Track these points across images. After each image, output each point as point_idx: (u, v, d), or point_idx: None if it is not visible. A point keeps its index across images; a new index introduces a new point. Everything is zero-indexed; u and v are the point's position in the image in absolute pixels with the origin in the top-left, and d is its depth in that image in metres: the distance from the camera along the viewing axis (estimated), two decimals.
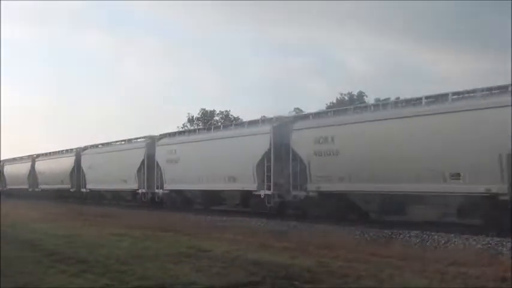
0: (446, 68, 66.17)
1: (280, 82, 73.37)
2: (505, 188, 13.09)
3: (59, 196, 36.27)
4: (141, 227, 16.95)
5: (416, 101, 16.44)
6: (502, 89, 13.97)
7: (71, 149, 37.56)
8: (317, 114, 20.79)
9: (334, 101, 48.33)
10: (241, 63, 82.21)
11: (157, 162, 26.80)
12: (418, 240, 13.55)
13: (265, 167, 20.28)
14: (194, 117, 54.79)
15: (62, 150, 39.18)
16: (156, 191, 26.96)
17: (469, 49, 68.20)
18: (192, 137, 26.28)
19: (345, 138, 17.58)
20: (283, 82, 72.85)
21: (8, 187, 47.41)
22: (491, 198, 13.52)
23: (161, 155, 26.68)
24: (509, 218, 12.72)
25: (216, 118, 54.03)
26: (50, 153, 41.04)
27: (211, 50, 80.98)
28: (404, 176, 15.45)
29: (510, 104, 13.09)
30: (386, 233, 14.53)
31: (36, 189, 41.50)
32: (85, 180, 34.19)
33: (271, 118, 22.33)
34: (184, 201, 25.95)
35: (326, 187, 18.04)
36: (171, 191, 26.16)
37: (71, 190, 35.77)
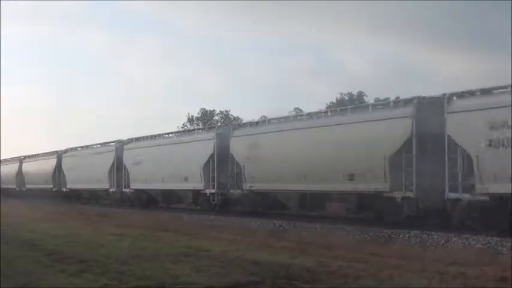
0: (446, 68, 66.12)
1: (280, 82, 73.38)
2: (388, 187, 15.81)
3: (43, 195, 38.05)
4: (140, 226, 16.99)
5: (324, 113, 20.74)
6: (401, 103, 17.25)
7: (54, 151, 39.99)
8: (252, 124, 23.71)
9: (334, 101, 48.30)
10: (241, 63, 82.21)
11: (124, 164, 29.57)
12: (417, 240, 13.55)
13: (210, 168, 23.09)
14: (194, 117, 54.79)
15: (46, 153, 41.87)
16: (124, 190, 29.68)
17: (470, 49, 68.20)
18: (153, 141, 28.70)
19: (269, 145, 20.60)
20: (283, 82, 72.79)
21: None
22: (378, 195, 16.23)
23: (128, 157, 29.48)
24: (393, 212, 15.78)
25: (216, 118, 54.00)
26: (35, 155, 43.63)
27: (212, 49, 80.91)
28: (315, 177, 18.32)
29: (395, 117, 16.26)
30: (386, 232, 14.52)
31: (23, 189, 44.02)
32: (65, 180, 36.72)
33: (216, 126, 25.27)
34: (148, 199, 28.53)
35: (257, 186, 21.11)
36: (136, 190, 28.83)
37: (53, 189, 38.12)
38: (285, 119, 22.65)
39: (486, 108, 13.98)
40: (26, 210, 26.44)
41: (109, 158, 31.13)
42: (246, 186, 21.43)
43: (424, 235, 13.71)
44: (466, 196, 14.04)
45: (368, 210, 17.64)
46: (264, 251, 11.25)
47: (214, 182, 22.96)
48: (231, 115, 53.26)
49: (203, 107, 55.14)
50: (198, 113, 54.67)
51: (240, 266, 9.37)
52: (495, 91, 14.43)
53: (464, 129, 14.34)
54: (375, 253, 10.83)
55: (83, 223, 18.93)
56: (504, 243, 12.02)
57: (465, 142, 14.31)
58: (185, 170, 24.55)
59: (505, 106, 13.38)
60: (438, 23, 63.94)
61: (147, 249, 11.57)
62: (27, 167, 43.79)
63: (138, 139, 30.10)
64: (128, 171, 29.29)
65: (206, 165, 23.22)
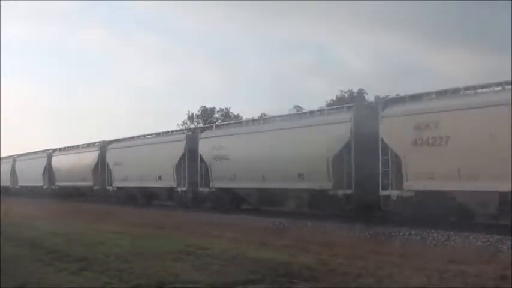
0: (446, 66, 66.05)
1: (280, 79, 73.27)
2: (331, 185, 17.51)
3: (34, 193, 40.74)
4: (140, 224, 16.99)
5: (279, 118, 22.65)
6: (342, 109, 19.19)
7: (44, 151, 41.74)
8: (218, 126, 25.96)
9: (334, 99, 48.29)
10: (241, 61, 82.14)
11: (107, 163, 31.57)
12: (418, 238, 13.54)
13: (182, 168, 25.03)
14: (194, 114, 54.79)
15: (37, 152, 43.41)
16: (107, 187, 31.68)
17: (470, 48, 68.13)
18: (133, 142, 30.47)
19: (232, 147, 22.34)
20: (283, 79, 72.72)
21: None
22: (324, 193, 17.79)
23: (110, 157, 31.39)
24: (336, 208, 17.62)
25: (216, 115, 54.00)
26: (27, 153, 45.14)
27: (212, 47, 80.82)
28: (272, 176, 19.99)
29: (336, 122, 17.94)
30: (386, 230, 14.52)
31: (16, 186, 45.99)
32: (54, 179, 38.86)
33: (186, 129, 26.97)
34: (128, 196, 30.23)
35: (222, 185, 23.01)
36: (118, 188, 30.86)
37: (43, 187, 40.33)
38: (246, 122, 25.19)
39: (412, 114, 15.52)
40: (24, 208, 26.72)
41: (93, 158, 33.15)
42: (213, 184, 23.36)
43: (424, 233, 13.70)
44: (396, 192, 15.76)
45: (317, 206, 19.12)
46: (264, 249, 11.26)
47: (185, 180, 24.90)
48: (231, 113, 53.32)
49: (203, 104, 55.25)
50: (199, 111, 54.75)
51: (240, 264, 9.37)
52: (424, 97, 15.94)
53: (394, 132, 15.90)
54: (375, 251, 10.82)
55: (83, 221, 18.93)
56: (504, 241, 12.03)
57: (394, 144, 15.87)
58: (160, 169, 26.36)
59: (432, 112, 14.87)
60: (439, 21, 63.83)
61: (147, 247, 11.56)
62: (19, 165, 45.32)
63: (119, 140, 31.97)
64: (110, 170, 31.17)
65: (178, 165, 25.13)
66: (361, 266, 9.03)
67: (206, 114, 54.30)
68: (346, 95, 48.11)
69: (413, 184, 15.26)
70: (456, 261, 9.37)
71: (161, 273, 8.55)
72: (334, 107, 22.31)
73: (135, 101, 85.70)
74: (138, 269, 8.92)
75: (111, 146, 31.94)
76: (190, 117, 54.64)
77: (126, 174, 29.50)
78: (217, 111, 54.64)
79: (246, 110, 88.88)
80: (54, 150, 40.03)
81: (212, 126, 25.76)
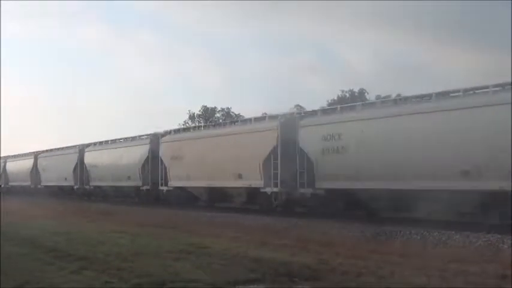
0: (448, 66, 66.02)
1: (281, 79, 73.37)
2: (262, 184, 20.25)
3: (23, 191, 43.23)
4: (141, 224, 17.00)
5: (222, 124, 26.70)
6: (272, 117, 21.84)
7: (32, 152, 44.39)
8: (176, 131, 28.35)
9: (335, 98, 48.32)
10: (242, 60, 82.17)
11: (85, 164, 34.80)
12: (418, 237, 13.53)
13: (146, 169, 28.20)
14: (195, 114, 54.83)
15: (25, 153, 45.77)
16: (85, 186, 35.09)
17: (472, 48, 68.09)
18: (106, 146, 33.51)
19: (186, 150, 25.16)
20: (284, 79, 72.84)
21: None
22: (256, 191, 20.68)
23: (87, 159, 34.71)
24: (267, 203, 20.42)
25: (217, 115, 54.02)
26: (17, 155, 47.61)
27: (212, 46, 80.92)
28: (217, 176, 22.77)
29: (265, 130, 20.52)
30: (387, 229, 14.50)
31: (7, 185, 48.22)
32: (40, 178, 41.94)
33: (150, 134, 29.38)
34: (103, 194, 33.57)
35: (178, 184, 26.00)
36: (94, 186, 34.46)
37: (31, 186, 42.98)
38: (199, 128, 28.32)
39: (320, 124, 18.64)
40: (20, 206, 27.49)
41: (73, 159, 36.23)
42: (171, 183, 26.18)
43: (425, 232, 13.69)
44: (309, 190, 18.71)
45: (253, 202, 21.82)
46: (264, 249, 11.26)
47: (148, 179, 28.05)
48: (233, 112, 53.36)
49: (204, 104, 55.30)
50: (200, 110, 54.80)
51: (240, 263, 9.37)
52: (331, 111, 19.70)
53: (308, 140, 18.95)
54: (375, 250, 10.82)
55: (84, 220, 18.95)
56: (505, 240, 12.01)
57: (308, 150, 18.81)
58: (128, 170, 29.50)
59: (335, 123, 18.15)
60: (440, 21, 63.79)
61: (147, 246, 11.57)
62: (10, 166, 48.19)
63: (96, 143, 35.04)
64: (88, 171, 34.47)
65: (143, 166, 28.28)
66: (361, 265, 9.02)
67: (207, 113, 54.34)
68: (347, 95, 48.16)
69: (323, 183, 18.21)
70: (457, 260, 9.36)
71: (161, 272, 8.55)
72: (264, 115, 25.36)
73: (135, 101, 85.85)
74: (138, 268, 8.92)
75: (89, 148, 35.08)
76: (192, 117, 54.69)
77: (101, 174, 32.80)
78: (219, 110, 54.69)
79: (247, 109, 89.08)
80: (39, 152, 42.68)
81: (171, 131, 28.32)
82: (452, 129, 14.50)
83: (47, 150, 42.27)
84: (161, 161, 26.76)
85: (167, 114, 76.63)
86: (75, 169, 35.90)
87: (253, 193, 21.22)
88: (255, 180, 20.52)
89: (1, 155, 49.60)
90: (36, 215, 21.05)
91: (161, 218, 19.25)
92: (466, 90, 15.26)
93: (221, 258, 9.84)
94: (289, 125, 19.84)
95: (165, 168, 26.45)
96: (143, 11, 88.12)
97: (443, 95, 15.85)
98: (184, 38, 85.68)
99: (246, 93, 77.51)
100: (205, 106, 54.89)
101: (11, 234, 14.15)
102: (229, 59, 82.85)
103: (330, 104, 42.87)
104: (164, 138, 27.31)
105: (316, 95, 74.15)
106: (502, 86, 14.40)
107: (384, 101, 20.47)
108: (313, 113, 20.71)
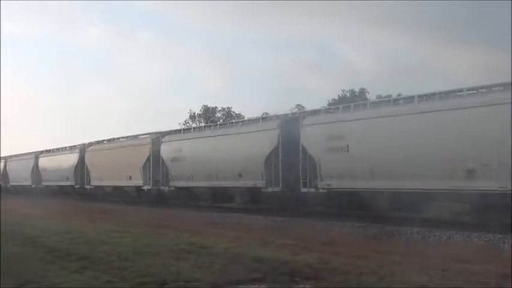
0: (449, 65, 65.92)
1: (283, 78, 73.28)
2: (264, 183, 20.29)
3: (25, 191, 44.01)
4: (142, 223, 17.00)
5: (222, 125, 26.48)
6: (273, 117, 22.69)
7: (32, 153, 44.60)
8: (177, 132, 28.36)
9: (336, 98, 48.28)
10: (243, 60, 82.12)
11: (86, 164, 34.99)
12: (419, 237, 13.53)
13: (147, 169, 27.91)
14: (196, 113, 54.82)
15: (26, 153, 46.12)
16: (86, 186, 35.18)
17: (473, 47, 68.01)
18: (107, 145, 33.77)
19: (187, 150, 25.36)
20: (285, 78, 72.75)
21: None
22: (258, 190, 20.84)
23: (88, 159, 34.80)
24: (268, 202, 20.71)
25: (218, 115, 54.00)
26: (17, 155, 47.87)
27: (213, 45, 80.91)
28: (218, 176, 22.84)
29: (266, 129, 20.81)
30: (388, 229, 14.51)
31: (8, 185, 48.33)
32: (41, 178, 42.48)
33: (151, 133, 29.27)
34: (104, 194, 33.84)
35: (179, 184, 26.05)
36: (95, 186, 34.35)
37: (32, 186, 43.31)
38: (200, 128, 28.67)
39: (324, 123, 18.57)
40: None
41: (74, 159, 36.50)
42: (172, 183, 26.35)
43: (426, 232, 13.69)
44: (312, 190, 18.63)
45: (254, 201, 21.91)
46: (265, 248, 11.26)
47: (150, 179, 28.07)
48: (233, 112, 53.34)
49: (205, 103, 55.29)
50: (200, 110, 54.79)
51: (241, 262, 9.38)
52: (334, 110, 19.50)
53: (311, 140, 18.79)
54: (376, 250, 10.82)
55: (86, 220, 18.96)
56: (506, 240, 12.01)
57: (311, 149, 18.71)
58: (130, 169, 29.41)
59: (340, 121, 17.95)
60: (441, 20, 63.74)
61: (149, 246, 11.58)
62: (11, 165, 48.65)
63: (96, 143, 35.28)
64: (88, 170, 34.58)
65: (144, 166, 28.15)
66: (362, 264, 9.02)
67: (208, 113, 54.33)
68: (348, 94, 48.13)
69: (326, 183, 18.23)
70: (458, 259, 9.36)
71: (163, 271, 8.56)
72: (264, 116, 25.56)
73: (135, 100, 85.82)
74: (139, 267, 8.93)
75: (90, 148, 35.10)
76: (192, 116, 54.68)
77: (102, 174, 32.71)
78: (219, 110, 54.68)
79: (248, 109, 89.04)
80: (40, 152, 43.19)
81: (171, 132, 28.54)
82: (454, 129, 14.48)
83: (47, 150, 42.52)
84: (162, 160, 26.82)
85: (167, 113, 76.58)
86: (76, 169, 36.15)
87: (255, 193, 21.30)
88: (257, 180, 20.54)
89: (1, 155, 49.75)
90: (37, 215, 21.07)
91: (162, 217, 19.24)
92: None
93: (222, 258, 9.84)
94: (291, 125, 19.76)
95: (166, 168, 26.54)
96: (143, 10, 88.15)
97: (440, 95, 15.76)
98: (185, 37, 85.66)
99: (247, 92, 77.56)
100: (206, 106, 54.92)
101: (11, 233, 14.15)
102: (230, 58, 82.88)
103: (330, 104, 42.85)
104: (165, 138, 27.40)
105: (317, 94, 74.11)
106: (503, 85, 14.39)
107: (387, 100, 20.20)
108: (316, 112, 20.71)
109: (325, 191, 18.32)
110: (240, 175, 21.57)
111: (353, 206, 18.04)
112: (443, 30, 66.24)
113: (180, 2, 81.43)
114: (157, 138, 27.91)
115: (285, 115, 21.62)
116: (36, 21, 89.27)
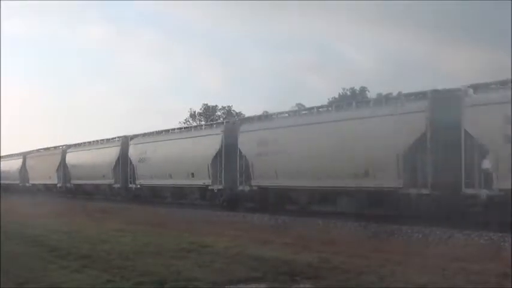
0: (449, 63, 65.85)
1: (283, 77, 73.12)
2: (210, 182, 23.22)
3: (13, 189, 44.95)
4: (142, 223, 17.00)
5: (178, 130, 28.98)
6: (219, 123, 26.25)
7: (21, 153, 45.81)
8: (145, 135, 30.26)
9: (336, 96, 48.22)
10: (243, 59, 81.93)
11: (66, 164, 37.32)
12: (420, 236, 13.52)
13: (116, 169, 31.01)
14: (196, 112, 54.80)
15: (15, 154, 47.70)
16: (67, 184, 37.57)
17: (474, 45, 67.88)
18: (84, 147, 36.49)
19: (151, 151, 27.99)
20: (285, 77, 72.57)
21: None
22: (205, 188, 23.71)
23: (68, 159, 37.35)
24: (214, 199, 23.29)
25: (218, 113, 53.97)
26: (8, 155, 48.87)
27: (213, 44, 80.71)
28: (174, 175, 25.72)
29: (212, 134, 23.90)
30: (388, 228, 14.50)
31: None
32: (28, 177, 44.24)
33: (121, 136, 32.17)
34: (83, 191, 35.97)
35: (144, 182, 28.80)
36: (75, 184, 36.87)
37: (20, 184, 44.85)
38: (162, 132, 29.96)
39: (257, 130, 21.31)
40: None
41: (57, 160, 38.56)
42: (138, 182, 29.09)
43: (426, 231, 13.68)
44: (247, 188, 21.40)
45: (203, 198, 24.41)
46: (265, 247, 11.27)
47: (119, 178, 30.90)
48: (233, 110, 53.27)
49: (205, 102, 55.22)
50: (201, 109, 54.76)
51: (241, 262, 9.38)
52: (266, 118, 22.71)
53: (245, 144, 21.51)
54: (376, 249, 10.83)
55: (86, 219, 18.97)
56: (506, 239, 11.99)
57: (246, 152, 21.43)
58: (102, 169, 32.29)
59: (266, 129, 20.86)
60: (441, 19, 63.65)
61: (149, 245, 11.58)
62: (2, 165, 49.54)
63: (76, 145, 37.93)
64: (68, 170, 37.17)
65: (115, 166, 31.18)
66: (363, 263, 9.03)
67: (208, 112, 54.29)
68: (348, 93, 48.04)
69: (257, 181, 20.91)
70: (458, 259, 9.36)
71: (163, 270, 8.56)
72: (211, 123, 28.62)
73: (135, 100, 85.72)
74: (140, 266, 8.93)
75: (70, 149, 37.77)
76: (193, 115, 54.66)
77: (81, 173, 35.19)
78: (219, 109, 54.64)
79: (248, 108, 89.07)
80: (27, 153, 44.59)
81: (139, 135, 30.71)
82: (355, 136, 16.76)
83: (34, 151, 44.06)
84: (130, 161, 29.77)
85: (168, 113, 76.50)
86: (58, 168, 38.21)
87: (204, 190, 24.06)
88: (205, 179, 23.46)
89: (1, 155, 49.73)
90: (33, 214, 20.94)
91: (162, 217, 19.25)
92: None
93: (222, 257, 9.85)
94: (232, 130, 22.76)
95: (133, 167, 29.34)
96: (144, 10, 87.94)
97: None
98: (185, 37, 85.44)
99: (247, 92, 77.37)
100: (206, 104, 54.84)
101: (12, 233, 14.17)
102: (230, 58, 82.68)
103: (330, 102, 42.77)
104: (133, 141, 30.30)
105: (317, 93, 73.90)
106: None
107: (307, 110, 22.48)
108: (251, 119, 23.75)
109: (256, 188, 21.02)
110: (192, 175, 24.46)
111: (279, 201, 20.96)
112: (444, 30, 66.16)
113: (180, 2, 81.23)
114: (126, 141, 30.91)
115: (228, 122, 24.83)
116: (36, 21, 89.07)
